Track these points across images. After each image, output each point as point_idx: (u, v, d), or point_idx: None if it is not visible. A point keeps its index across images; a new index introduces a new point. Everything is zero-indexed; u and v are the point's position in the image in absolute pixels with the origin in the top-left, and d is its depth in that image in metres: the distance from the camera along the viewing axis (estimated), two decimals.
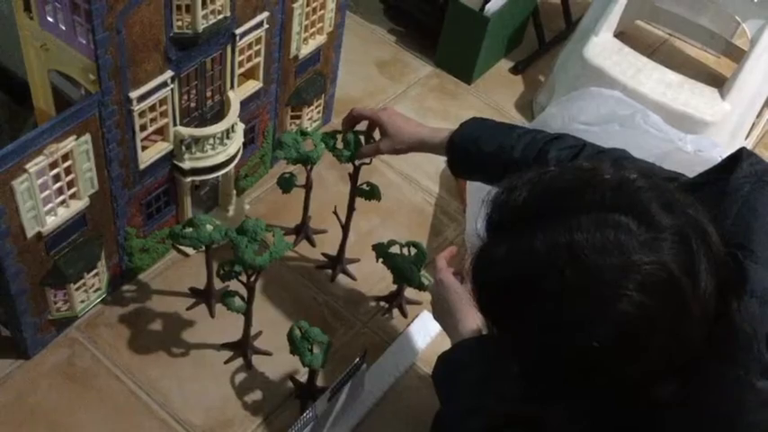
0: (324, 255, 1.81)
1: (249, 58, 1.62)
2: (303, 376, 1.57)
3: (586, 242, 0.72)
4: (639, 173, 0.77)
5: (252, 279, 1.46)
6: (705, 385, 0.78)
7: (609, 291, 0.71)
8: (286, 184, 1.64)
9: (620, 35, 2.20)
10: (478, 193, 1.65)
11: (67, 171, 1.36)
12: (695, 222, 0.75)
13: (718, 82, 2.09)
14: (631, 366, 0.74)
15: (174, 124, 1.53)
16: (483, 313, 0.84)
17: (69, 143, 1.33)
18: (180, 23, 1.39)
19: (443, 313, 1.23)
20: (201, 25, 1.41)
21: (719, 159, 0.93)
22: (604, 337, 0.72)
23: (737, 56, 2.18)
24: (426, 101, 2.22)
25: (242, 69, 1.63)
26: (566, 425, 0.91)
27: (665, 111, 1.89)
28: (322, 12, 1.78)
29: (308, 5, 1.71)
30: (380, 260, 1.59)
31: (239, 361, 1.61)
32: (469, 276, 0.81)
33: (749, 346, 0.77)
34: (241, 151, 1.68)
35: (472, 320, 1.17)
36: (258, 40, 1.61)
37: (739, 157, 0.88)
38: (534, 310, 0.75)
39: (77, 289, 1.56)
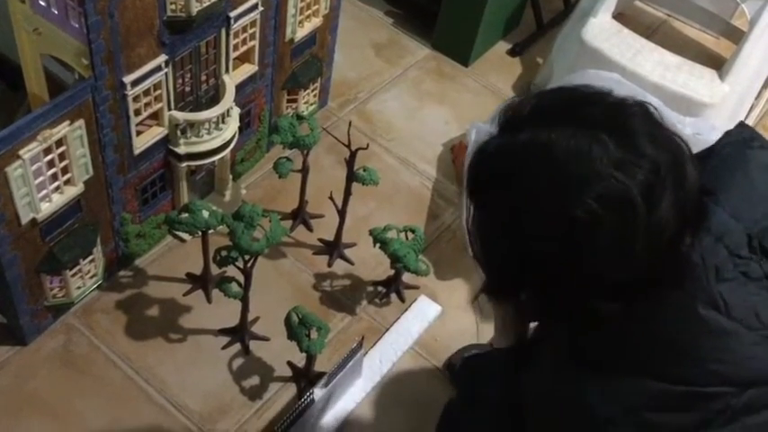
0: (321, 240, 1.80)
1: (244, 42, 1.61)
2: (301, 361, 1.57)
3: (561, 145, 0.78)
4: (638, 103, 0.83)
5: (249, 265, 1.45)
6: (653, 310, 0.82)
7: (567, 193, 0.77)
8: (282, 168, 1.63)
9: (619, 16, 2.18)
10: None
11: (62, 157, 1.35)
12: (673, 159, 0.80)
13: (718, 63, 2.08)
14: (575, 266, 0.79)
15: (169, 109, 1.52)
16: (469, 198, 0.90)
17: (63, 129, 1.32)
18: (173, 7, 1.38)
19: None
20: (195, 8, 1.40)
21: None
22: (554, 233, 0.78)
23: (737, 37, 2.17)
24: (423, 83, 2.21)
25: (237, 53, 1.61)
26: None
27: (663, 92, 1.88)
28: None
29: None
30: (378, 245, 1.59)
31: (237, 346, 1.61)
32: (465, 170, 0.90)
33: (698, 277, 0.82)
34: (237, 136, 1.67)
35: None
36: (253, 24, 1.59)
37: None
38: (500, 194, 0.83)
39: (73, 275, 1.55)
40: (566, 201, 0.77)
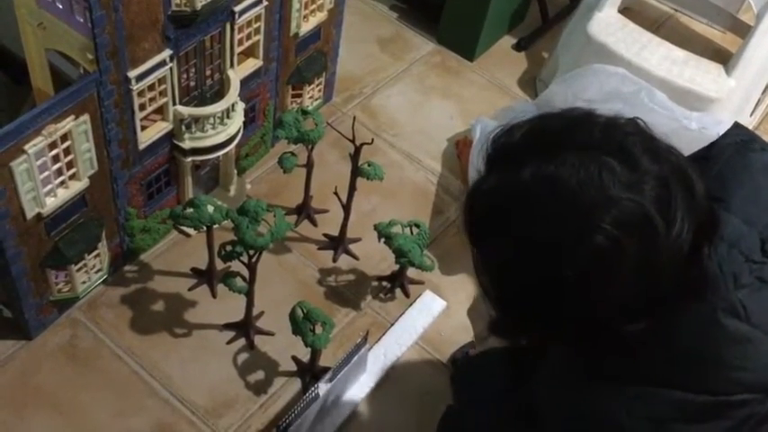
0: (325, 235, 1.80)
1: (248, 36, 1.61)
2: (305, 356, 1.57)
3: (570, 175, 0.76)
4: (629, 120, 0.82)
5: (253, 259, 1.45)
6: (674, 321, 0.81)
7: (585, 222, 0.75)
8: (287, 163, 1.62)
9: (625, 11, 2.17)
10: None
11: (66, 152, 1.35)
12: (677, 169, 0.79)
13: (724, 58, 2.07)
14: (599, 297, 0.77)
15: (174, 103, 1.52)
16: (470, 240, 0.87)
17: (68, 123, 1.32)
18: (178, 1, 1.37)
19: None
20: (200, 3, 1.40)
21: None
22: (574, 266, 0.76)
23: (743, 31, 2.15)
24: (428, 78, 2.21)
25: (241, 47, 1.61)
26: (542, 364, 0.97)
27: (669, 87, 1.87)
28: None
29: None
30: (382, 240, 1.59)
31: (241, 341, 1.61)
32: (462, 210, 0.86)
33: (717, 286, 0.81)
34: (242, 131, 1.67)
35: None
36: (257, 18, 1.59)
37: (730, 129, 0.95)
38: (512, 233, 0.79)
39: (78, 270, 1.56)
40: (583, 231, 0.75)
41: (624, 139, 0.79)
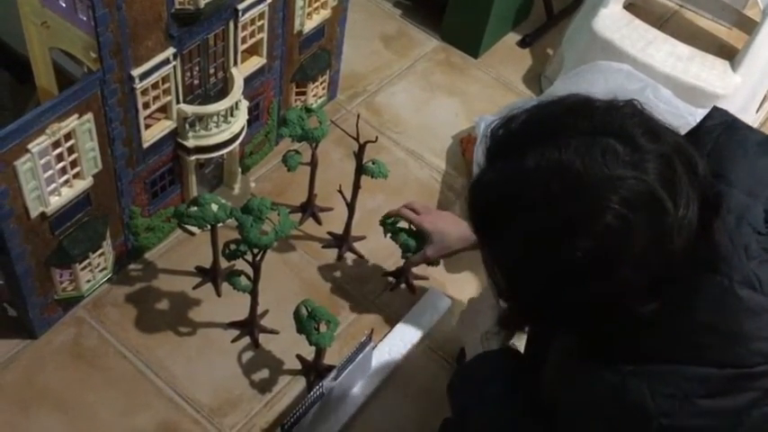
0: (330, 233, 1.80)
1: (252, 34, 1.60)
2: (310, 355, 1.57)
3: (574, 159, 0.77)
4: (627, 102, 0.82)
5: (257, 258, 1.45)
6: (691, 297, 0.82)
7: (593, 203, 0.76)
8: (291, 161, 1.62)
9: (630, 7, 2.16)
10: None
11: (70, 150, 1.35)
12: (679, 148, 0.80)
13: (730, 54, 2.06)
14: (612, 278, 0.78)
15: (178, 102, 1.51)
16: (477, 233, 0.88)
17: (72, 122, 1.32)
18: None
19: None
20: (203, 1, 1.39)
21: None
22: (585, 247, 0.76)
23: (749, 27, 2.14)
24: (433, 76, 2.20)
25: (245, 45, 1.60)
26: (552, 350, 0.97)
27: (675, 83, 1.87)
28: None
29: None
30: (389, 235, 1.58)
31: (246, 340, 1.61)
32: (466, 202, 0.87)
33: (729, 257, 0.82)
34: (245, 129, 1.66)
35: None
36: (261, 16, 1.59)
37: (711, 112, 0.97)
38: (521, 220, 0.80)
39: (83, 269, 1.56)
40: (592, 212, 0.76)
41: (624, 121, 0.80)
